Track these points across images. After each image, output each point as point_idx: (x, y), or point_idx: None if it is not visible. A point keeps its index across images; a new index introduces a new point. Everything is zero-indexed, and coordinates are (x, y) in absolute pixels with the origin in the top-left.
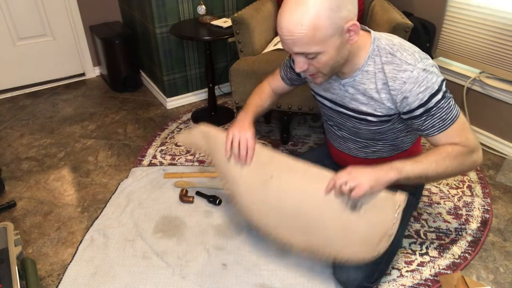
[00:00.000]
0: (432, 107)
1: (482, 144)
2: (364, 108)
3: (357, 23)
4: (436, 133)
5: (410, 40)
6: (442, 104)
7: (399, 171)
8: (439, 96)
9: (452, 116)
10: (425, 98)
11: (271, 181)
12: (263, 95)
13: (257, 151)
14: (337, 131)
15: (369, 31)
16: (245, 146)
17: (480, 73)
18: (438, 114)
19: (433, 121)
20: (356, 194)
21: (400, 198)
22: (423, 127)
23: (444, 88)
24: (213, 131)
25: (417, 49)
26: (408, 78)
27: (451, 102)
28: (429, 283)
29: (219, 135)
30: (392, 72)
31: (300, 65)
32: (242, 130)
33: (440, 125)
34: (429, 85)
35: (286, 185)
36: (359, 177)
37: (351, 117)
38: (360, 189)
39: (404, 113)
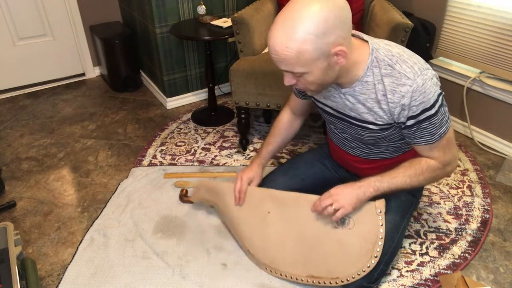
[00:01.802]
0: (423, 120)
1: (482, 144)
2: (365, 117)
3: (345, 49)
4: (423, 144)
5: (410, 40)
6: (433, 119)
7: (375, 189)
8: (432, 111)
9: (441, 132)
10: (418, 111)
11: (269, 216)
12: (274, 131)
13: (250, 193)
14: (339, 133)
15: (366, 41)
16: (237, 189)
17: (480, 73)
18: (429, 129)
19: (422, 133)
20: (340, 214)
21: (380, 205)
22: (412, 136)
23: (439, 102)
24: (212, 183)
25: (416, 59)
26: (406, 92)
27: (444, 118)
28: (429, 283)
29: (218, 185)
30: (392, 85)
31: (288, 79)
32: (241, 173)
33: (428, 138)
34: (425, 100)
35: (282, 216)
36: (341, 200)
37: (353, 124)
38: (344, 210)
39: (398, 123)
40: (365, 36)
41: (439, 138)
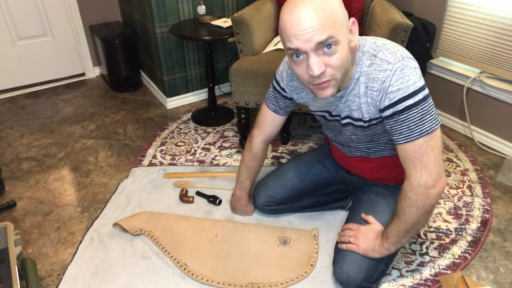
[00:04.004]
0: (401, 111)
1: (482, 144)
2: (354, 114)
3: (356, 22)
4: (403, 141)
5: (410, 40)
6: (412, 111)
7: (383, 254)
8: (411, 101)
9: (423, 129)
10: (395, 99)
11: (216, 238)
12: (253, 167)
13: (201, 221)
14: (337, 136)
15: None
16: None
17: (480, 73)
18: (408, 122)
19: (401, 127)
20: (349, 248)
21: (315, 231)
22: (392, 131)
23: (420, 95)
24: (156, 213)
25: (401, 48)
26: (386, 77)
27: (426, 115)
28: (429, 283)
29: (162, 215)
30: (373, 73)
31: (319, 65)
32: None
33: (407, 134)
34: (402, 87)
35: (228, 238)
36: (360, 241)
37: (348, 124)
38: (356, 249)
39: (380, 110)
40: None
41: (418, 136)
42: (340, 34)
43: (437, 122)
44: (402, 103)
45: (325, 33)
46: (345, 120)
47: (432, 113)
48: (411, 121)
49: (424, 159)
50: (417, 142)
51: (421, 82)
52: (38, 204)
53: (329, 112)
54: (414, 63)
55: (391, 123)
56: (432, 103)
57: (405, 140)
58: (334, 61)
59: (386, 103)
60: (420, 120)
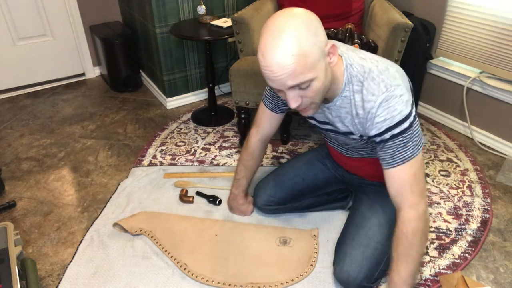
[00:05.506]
0: (387, 140)
1: (482, 144)
2: (347, 128)
3: (335, 43)
4: (386, 167)
5: (410, 40)
6: (396, 140)
7: None
8: (397, 130)
9: (405, 156)
10: (382, 129)
11: (216, 238)
12: (249, 164)
13: (201, 221)
14: (331, 140)
15: (341, 56)
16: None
17: (480, 73)
18: (391, 150)
19: (385, 154)
20: None
21: (315, 231)
22: (379, 156)
23: (406, 123)
24: (155, 212)
25: (387, 75)
26: (371, 108)
27: (408, 142)
28: (429, 283)
29: (162, 215)
30: (360, 101)
31: (295, 99)
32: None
33: (389, 161)
34: (388, 117)
35: (228, 238)
36: None
37: (340, 133)
38: None
39: (369, 137)
40: (339, 49)
41: (401, 162)
42: (314, 71)
43: (419, 148)
44: (389, 132)
45: (297, 79)
46: (337, 130)
47: (415, 140)
48: (395, 149)
49: (414, 186)
50: (399, 169)
51: (407, 109)
52: (38, 204)
53: (319, 120)
54: (399, 90)
55: (378, 149)
56: (418, 127)
57: (388, 166)
58: (310, 94)
59: (373, 132)
60: (404, 147)
